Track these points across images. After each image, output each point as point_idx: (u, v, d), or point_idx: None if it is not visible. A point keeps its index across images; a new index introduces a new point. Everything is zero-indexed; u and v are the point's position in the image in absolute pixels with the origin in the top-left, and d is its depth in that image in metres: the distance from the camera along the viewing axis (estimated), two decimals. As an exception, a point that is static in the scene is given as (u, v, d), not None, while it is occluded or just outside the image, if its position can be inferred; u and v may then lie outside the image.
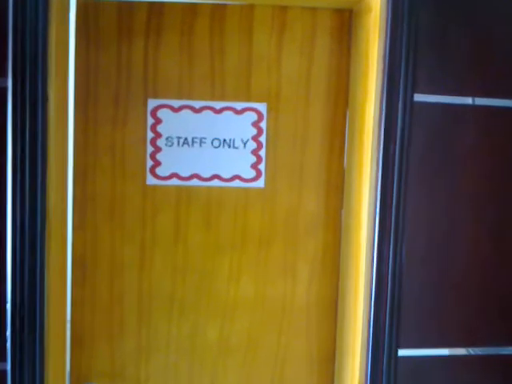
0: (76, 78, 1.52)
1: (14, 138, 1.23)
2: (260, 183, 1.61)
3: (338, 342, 1.64)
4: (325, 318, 1.65)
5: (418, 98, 1.37)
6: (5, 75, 1.20)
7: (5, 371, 1.21)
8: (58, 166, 1.40)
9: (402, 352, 1.39)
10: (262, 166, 1.60)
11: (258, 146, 1.60)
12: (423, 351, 1.40)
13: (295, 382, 1.66)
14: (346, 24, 1.57)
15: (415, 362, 1.40)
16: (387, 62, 1.32)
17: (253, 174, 1.60)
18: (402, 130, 1.32)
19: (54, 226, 1.35)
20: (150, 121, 1.56)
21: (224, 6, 1.53)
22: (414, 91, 1.32)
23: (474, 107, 1.38)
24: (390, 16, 1.30)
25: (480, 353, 1.42)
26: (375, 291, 1.35)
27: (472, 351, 1.43)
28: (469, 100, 1.38)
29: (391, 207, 1.33)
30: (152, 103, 1.56)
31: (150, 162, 1.57)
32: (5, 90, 1.20)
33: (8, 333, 1.21)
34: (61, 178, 1.45)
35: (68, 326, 1.55)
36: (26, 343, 1.24)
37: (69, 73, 1.49)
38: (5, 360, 1.21)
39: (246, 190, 1.60)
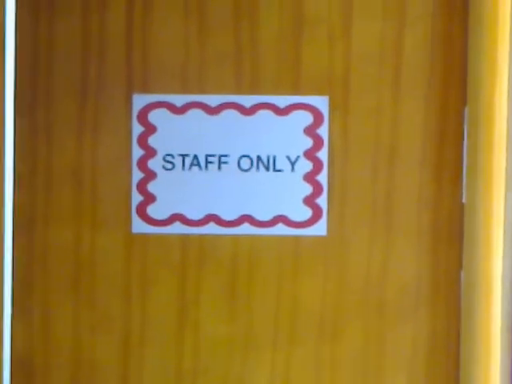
0: (17, 64, 1.25)
1: None
2: (320, 229, 1.29)
3: None
4: None
5: None
6: None
7: None
8: None
9: None
10: (322, 201, 1.28)
11: (315, 166, 1.28)
12: None
13: None
14: None
15: None
16: None
17: (308, 213, 1.28)
18: None
19: None
20: (138, 129, 1.27)
21: None
22: None
23: None
24: None
25: None
26: None
27: None
28: None
29: None
30: (140, 100, 1.26)
31: (137, 197, 1.28)
32: None
33: None
34: None
35: None
36: None
37: (5, 56, 1.16)
38: None
39: (297, 240, 1.29)
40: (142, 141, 1.27)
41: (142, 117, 1.27)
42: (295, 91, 1.28)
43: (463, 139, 1.29)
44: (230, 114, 1.28)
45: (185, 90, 1.27)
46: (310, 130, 1.28)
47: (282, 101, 1.28)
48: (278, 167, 1.29)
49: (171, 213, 1.28)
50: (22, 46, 1.27)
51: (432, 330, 1.31)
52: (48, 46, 1.28)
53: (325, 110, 1.27)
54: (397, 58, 1.29)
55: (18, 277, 1.29)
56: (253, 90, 1.28)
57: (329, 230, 1.30)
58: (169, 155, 1.28)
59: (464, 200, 1.30)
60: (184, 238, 1.29)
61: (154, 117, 1.27)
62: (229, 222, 1.30)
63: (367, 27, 1.28)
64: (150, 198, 1.28)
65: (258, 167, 1.29)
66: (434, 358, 1.32)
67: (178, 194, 1.29)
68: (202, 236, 1.30)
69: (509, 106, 1.04)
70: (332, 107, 1.28)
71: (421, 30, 1.29)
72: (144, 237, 1.29)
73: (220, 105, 1.28)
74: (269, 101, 1.28)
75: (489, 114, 1.15)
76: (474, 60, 1.26)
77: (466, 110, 1.28)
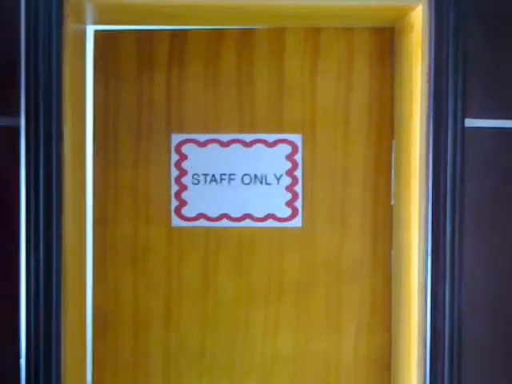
0: (95, 115, 1.47)
1: (27, 181, 1.22)
2: (297, 223, 1.50)
3: None
4: (376, 379, 1.50)
5: (470, 123, 1.31)
6: (18, 114, 1.21)
7: None
8: (74, 212, 1.32)
9: None
10: (298, 204, 1.50)
11: (293, 181, 1.50)
12: None
13: None
14: (388, 44, 1.45)
15: None
16: (432, 85, 1.26)
17: (288, 212, 1.50)
18: (453, 159, 1.26)
19: (70, 277, 1.29)
20: (175, 157, 1.50)
21: (252, 30, 1.45)
22: (464, 116, 1.25)
23: None
24: (433, 35, 1.25)
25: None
26: (431, 345, 1.27)
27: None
28: None
29: (445, 246, 1.26)
30: (176, 138, 1.49)
31: (174, 202, 1.50)
32: (18, 129, 1.21)
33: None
34: (78, 224, 1.37)
35: None
36: None
37: (86, 109, 1.43)
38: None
39: (281, 230, 1.50)
40: (178, 165, 1.50)
41: (178, 149, 1.50)
42: (279, 131, 1.50)
43: (392, 162, 1.51)
44: (236, 146, 1.50)
45: (206, 131, 1.49)
46: (289, 157, 1.50)
47: (270, 137, 1.50)
48: (268, 182, 1.52)
49: (197, 213, 1.51)
50: (97, 104, 1.50)
51: (372, 287, 1.52)
52: (115, 104, 1.50)
53: (299, 143, 1.50)
54: (346, 110, 1.51)
55: (96, 256, 1.50)
56: (251, 130, 1.50)
57: (303, 223, 1.51)
58: (195, 174, 1.51)
59: (392, 202, 1.51)
60: (206, 229, 1.51)
61: (186, 149, 1.50)
62: (236, 218, 1.51)
63: (326, 91, 1.50)
64: (183, 203, 1.50)
65: (255, 182, 1.52)
66: (374, 304, 1.52)
67: (202, 200, 1.51)
68: (218, 228, 1.51)
69: (420, 141, 1.29)
70: (304, 141, 1.50)
71: (363, 91, 1.49)
72: (179, 229, 1.51)
73: (229, 141, 1.50)
74: (262, 138, 1.50)
75: (407, 145, 1.37)
76: (398, 110, 1.45)
77: (394, 142, 1.49)
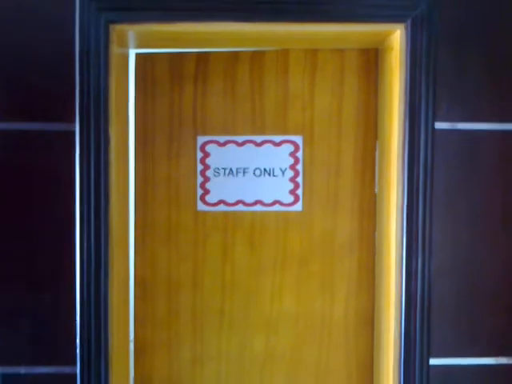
0: (136, 122, 1.51)
1: (80, 175, 1.23)
2: (298, 207, 1.53)
3: (375, 355, 1.52)
4: (362, 333, 1.53)
5: (439, 126, 1.32)
6: (73, 121, 1.23)
7: (74, 374, 1.25)
8: (119, 199, 1.36)
9: (433, 361, 1.32)
10: (299, 192, 1.52)
11: (295, 173, 1.52)
12: (453, 360, 1.33)
13: None
14: (373, 62, 1.49)
15: (446, 370, 1.33)
16: (408, 95, 1.26)
17: (291, 199, 1.52)
18: (425, 155, 1.25)
19: (116, 253, 1.32)
20: (200, 155, 1.52)
21: (262, 52, 1.49)
22: (434, 120, 1.26)
23: (490, 132, 1.33)
24: (408, 55, 1.26)
25: (508, 362, 1.36)
26: (405, 305, 1.27)
27: (501, 361, 1.36)
28: (485, 126, 1.33)
29: (417, 226, 1.26)
30: (201, 139, 1.52)
31: (200, 191, 1.52)
32: (73, 133, 1.22)
33: (78, 341, 1.23)
34: (123, 209, 1.41)
35: (132, 338, 1.53)
36: (93, 354, 1.25)
37: (128, 117, 1.47)
38: (74, 364, 1.24)
39: (286, 213, 1.53)
40: (202, 161, 1.53)
41: (202, 148, 1.52)
42: (284, 133, 1.51)
43: (375, 157, 1.53)
44: (249, 146, 1.53)
45: (224, 133, 1.52)
46: (292, 154, 1.52)
47: (277, 138, 1.52)
48: (275, 174, 1.53)
49: (218, 199, 1.53)
50: (138, 113, 1.52)
51: (359, 261, 1.53)
52: (152, 113, 1.51)
53: (300, 143, 1.52)
54: (338, 116, 1.51)
55: (137, 235, 1.53)
56: (261, 133, 1.52)
57: (303, 208, 1.54)
58: (216, 168, 1.53)
59: (376, 191, 1.54)
60: (225, 213, 1.53)
61: (209, 148, 1.52)
62: (249, 204, 1.53)
63: (322, 100, 1.50)
64: (207, 192, 1.53)
65: (264, 174, 1.53)
66: (361, 274, 1.53)
67: (222, 189, 1.53)
68: (234, 212, 1.53)
69: (398, 140, 1.27)
70: (304, 142, 1.53)
71: (352, 101, 1.50)
72: (204, 213, 1.53)
73: (244, 141, 1.53)
74: (270, 139, 1.52)
75: (388, 143, 1.39)
76: (381, 116, 1.48)
77: (377, 142, 1.52)
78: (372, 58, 1.49)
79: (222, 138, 1.52)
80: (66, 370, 1.30)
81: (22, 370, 1.32)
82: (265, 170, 1.53)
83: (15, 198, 1.27)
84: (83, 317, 1.24)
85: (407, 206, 1.28)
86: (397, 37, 1.28)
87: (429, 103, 1.26)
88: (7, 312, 1.24)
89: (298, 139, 1.53)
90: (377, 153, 1.51)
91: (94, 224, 1.25)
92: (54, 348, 1.30)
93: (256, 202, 1.54)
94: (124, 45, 1.38)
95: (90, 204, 1.25)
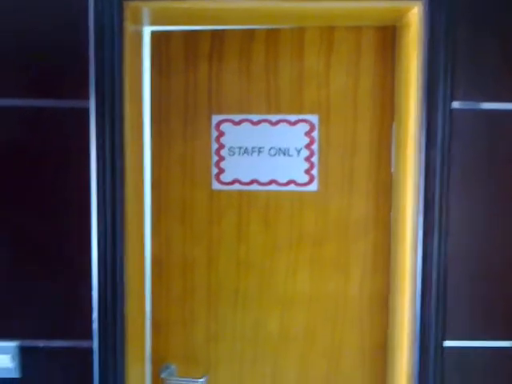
0: (151, 100, 1.50)
1: (97, 152, 1.24)
2: (313, 187, 1.50)
3: (388, 334, 1.52)
4: (376, 312, 1.53)
5: (457, 105, 1.28)
6: (87, 98, 1.23)
7: (91, 348, 1.27)
8: (134, 179, 1.36)
9: (448, 343, 1.31)
10: (314, 172, 1.50)
11: (310, 153, 1.50)
12: (468, 343, 1.32)
13: (349, 371, 1.55)
14: (390, 40, 1.45)
15: (461, 352, 1.31)
16: (426, 74, 1.24)
17: (306, 178, 1.51)
18: (443, 134, 1.25)
19: (132, 231, 1.33)
20: (215, 133, 1.51)
21: (277, 30, 1.46)
22: (452, 99, 1.25)
23: (508, 112, 1.29)
24: (427, 31, 1.23)
25: (523, 345, 1.29)
26: (421, 286, 1.28)
27: (516, 343, 1.30)
28: (506, 106, 1.29)
29: (434, 208, 1.26)
30: (216, 118, 1.50)
31: (214, 170, 1.51)
32: (87, 110, 1.23)
33: (94, 316, 1.25)
34: (138, 188, 1.41)
35: (148, 315, 1.54)
36: (109, 329, 1.27)
37: (142, 96, 1.46)
38: (91, 339, 1.27)
39: (301, 193, 1.51)
40: (217, 140, 1.52)
41: (217, 127, 1.51)
42: (300, 112, 1.50)
43: (392, 137, 1.50)
44: (264, 125, 1.51)
45: (240, 112, 1.51)
46: (308, 133, 1.50)
47: (292, 118, 1.50)
48: (290, 154, 1.51)
49: (233, 178, 1.53)
50: (153, 92, 1.52)
51: (374, 240, 1.53)
52: (167, 91, 1.52)
53: (316, 123, 1.50)
54: (354, 95, 1.50)
55: (153, 214, 1.54)
56: (276, 112, 1.50)
57: (318, 188, 1.52)
58: (231, 147, 1.52)
59: (392, 170, 1.50)
60: (240, 192, 1.53)
61: (224, 127, 1.51)
62: (264, 183, 1.52)
63: (338, 79, 1.50)
64: (221, 171, 1.52)
65: (279, 154, 1.51)
66: (376, 254, 1.53)
67: (236, 168, 1.52)
68: (249, 191, 1.53)
69: (415, 119, 1.27)
70: (320, 121, 1.50)
71: (368, 80, 1.49)
72: (218, 192, 1.53)
73: (259, 120, 1.51)
74: (286, 118, 1.50)
75: (405, 122, 1.33)
76: (398, 95, 1.45)
77: (394, 124, 1.49)
78: (389, 36, 1.46)
79: (237, 117, 1.51)
80: (84, 344, 1.32)
81: (41, 343, 1.34)
82: (280, 149, 1.51)
83: (27, 175, 1.28)
84: (100, 293, 1.26)
85: (424, 187, 1.27)
86: (415, 14, 1.26)
87: (447, 82, 1.25)
88: (26, 288, 1.29)
89: (314, 118, 1.50)
90: (393, 131, 1.48)
91: (110, 205, 1.26)
92: (71, 323, 1.32)
93: (271, 182, 1.52)
94: (138, 22, 1.37)
95: (106, 183, 1.26)
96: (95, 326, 1.26)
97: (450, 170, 1.26)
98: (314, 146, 1.51)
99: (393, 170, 1.50)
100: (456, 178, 1.30)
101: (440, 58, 1.24)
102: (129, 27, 1.26)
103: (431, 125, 1.25)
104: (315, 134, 1.51)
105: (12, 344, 1.28)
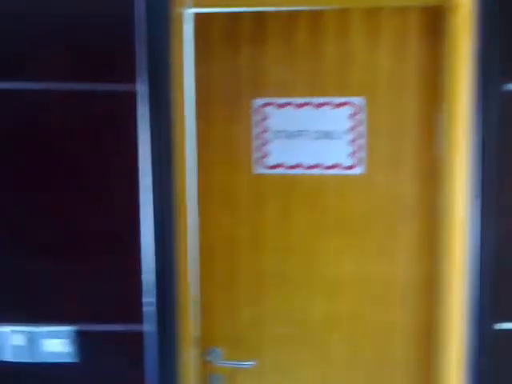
0: (196, 84, 1.48)
1: (152, 134, 1.23)
2: (358, 170, 1.50)
3: (437, 316, 1.52)
4: (424, 295, 1.52)
5: (510, 87, 1.24)
6: (133, 81, 1.23)
7: (141, 332, 1.29)
8: (182, 162, 1.37)
9: (500, 325, 1.29)
10: (359, 155, 1.50)
11: (355, 136, 1.50)
12: None
13: (396, 353, 1.55)
14: (437, 20, 1.43)
15: None
16: (477, 56, 1.22)
17: (351, 162, 1.50)
18: (495, 116, 1.23)
19: (180, 214, 1.32)
20: (258, 117, 1.51)
21: (321, 11, 1.45)
22: (505, 81, 1.22)
23: None
24: (479, 13, 1.19)
25: None
26: (473, 270, 1.27)
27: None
28: None
29: (483, 194, 1.25)
30: (259, 101, 1.51)
31: (258, 154, 1.52)
32: (134, 93, 1.23)
33: (149, 300, 1.26)
34: (184, 172, 1.41)
35: (198, 298, 1.55)
36: (164, 313, 1.29)
37: (184, 79, 1.43)
38: (141, 322, 1.28)
39: (346, 177, 1.51)
40: (260, 123, 1.53)
41: (260, 110, 1.52)
42: (344, 95, 1.50)
43: (441, 120, 1.48)
44: (308, 108, 1.51)
45: (283, 95, 1.51)
46: (353, 116, 1.50)
47: (336, 100, 1.51)
48: (335, 137, 1.52)
49: (277, 162, 1.54)
50: (197, 74, 1.49)
51: (421, 225, 1.53)
52: (209, 73, 1.53)
53: (362, 105, 1.50)
54: (402, 77, 1.49)
55: (200, 198, 1.53)
56: (320, 94, 1.50)
57: (363, 171, 1.52)
58: (275, 131, 1.53)
59: (439, 153, 1.49)
60: (284, 176, 1.54)
61: (267, 110, 1.52)
62: (309, 166, 1.53)
63: (384, 63, 1.49)
64: (265, 155, 1.54)
65: (324, 137, 1.52)
66: (423, 241, 1.53)
67: (280, 152, 1.53)
68: (293, 175, 1.53)
69: (466, 102, 1.27)
70: (367, 103, 1.50)
71: (414, 62, 1.49)
72: (263, 175, 1.55)
73: (302, 103, 1.51)
74: (329, 100, 1.51)
75: (455, 106, 1.38)
76: (447, 77, 1.45)
77: (442, 106, 1.48)
78: (436, 16, 1.44)
79: (280, 100, 1.51)
80: (137, 327, 1.33)
81: (96, 327, 1.35)
82: (324, 132, 1.51)
83: (78, 160, 1.30)
84: (156, 277, 1.26)
85: (476, 170, 1.25)
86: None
87: (500, 64, 1.22)
88: (82, 274, 1.33)
89: (359, 101, 1.50)
90: (440, 116, 1.47)
91: (160, 189, 1.25)
92: (124, 307, 1.33)
93: (315, 166, 1.53)
94: (183, 4, 1.37)
95: (155, 167, 1.25)
96: (150, 309, 1.26)
97: (505, 153, 1.24)
98: (360, 129, 1.50)
99: (439, 152, 1.48)
100: (508, 163, 1.28)
101: (492, 40, 1.21)
102: (175, 10, 1.26)
103: (482, 106, 1.22)
104: (360, 116, 1.50)
105: (69, 328, 1.30)
